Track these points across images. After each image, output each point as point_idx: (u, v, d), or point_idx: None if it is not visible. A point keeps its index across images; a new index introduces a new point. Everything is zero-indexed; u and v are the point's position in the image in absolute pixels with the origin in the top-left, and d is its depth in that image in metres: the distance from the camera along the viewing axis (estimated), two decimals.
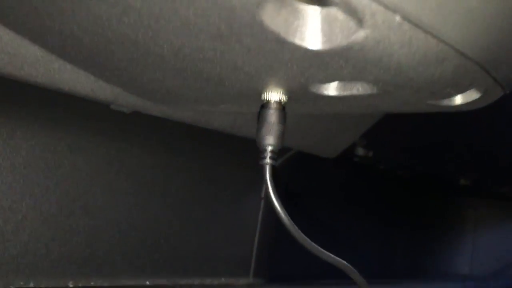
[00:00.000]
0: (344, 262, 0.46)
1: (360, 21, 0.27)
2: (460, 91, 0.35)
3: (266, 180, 0.39)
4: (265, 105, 0.39)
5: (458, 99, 0.39)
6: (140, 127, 0.58)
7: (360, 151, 0.90)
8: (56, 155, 0.52)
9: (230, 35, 0.30)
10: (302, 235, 0.42)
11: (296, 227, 0.41)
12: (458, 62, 0.30)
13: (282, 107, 0.39)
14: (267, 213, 0.73)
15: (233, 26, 0.29)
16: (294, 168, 0.80)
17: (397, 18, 0.26)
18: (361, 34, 0.27)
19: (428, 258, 1.27)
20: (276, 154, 0.39)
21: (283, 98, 0.39)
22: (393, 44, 0.28)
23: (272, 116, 0.38)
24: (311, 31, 0.28)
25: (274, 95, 0.38)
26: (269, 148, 0.39)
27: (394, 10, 0.26)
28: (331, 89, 0.36)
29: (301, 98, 0.40)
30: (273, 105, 0.39)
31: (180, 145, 0.63)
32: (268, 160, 0.39)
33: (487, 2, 0.27)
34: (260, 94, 0.39)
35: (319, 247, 0.43)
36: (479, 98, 0.39)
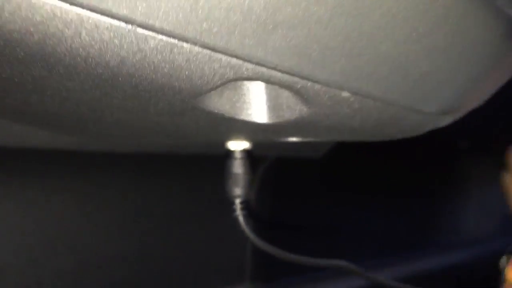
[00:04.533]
0: (337, 261, 0.45)
1: (305, 100, 0.25)
2: (424, 131, 0.33)
3: (244, 231, 0.39)
4: (230, 154, 0.38)
5: None
6: (115, 159, 0.57)
7: None
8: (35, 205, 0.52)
9: (172, 115, 0.28)
10: (296, 257, 0.42)
11: (291, 255, 0.41)
12: (417, 117, 0.29)
13: (247, 154, 0.38)
14: (259, 213, 0.72)
15: (172, 110, 0.27)
16: (285, 162, 0.78)
17: (344, 93, 0.25)
18: (307, 111, 0.26)
19: (434, 224, 1.26)
20: (246, 203, 0.38)
21: (247, 145, 0.37)
22: (343, 115, 0.26)
23: (238, 168, 0.37)
24: (257, 108, 0.27)
25: (238, 145, 0.37)
26: (238, 201, 0.38)
27: (340, 88, 0.24)
28: (295, 137, 0.35)
29: (267, 141, 0.38)
30: (238, 155, 0.37)
31: (161, 168, 0.62)
32: (239, 212, 0.38)
33: (436, 65, 0.26)
34: (223, 143, 0.38)
35: (310, 258, 0.43)
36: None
